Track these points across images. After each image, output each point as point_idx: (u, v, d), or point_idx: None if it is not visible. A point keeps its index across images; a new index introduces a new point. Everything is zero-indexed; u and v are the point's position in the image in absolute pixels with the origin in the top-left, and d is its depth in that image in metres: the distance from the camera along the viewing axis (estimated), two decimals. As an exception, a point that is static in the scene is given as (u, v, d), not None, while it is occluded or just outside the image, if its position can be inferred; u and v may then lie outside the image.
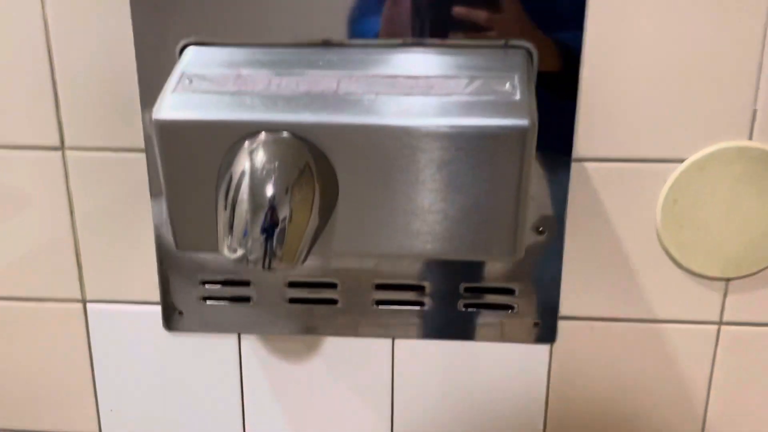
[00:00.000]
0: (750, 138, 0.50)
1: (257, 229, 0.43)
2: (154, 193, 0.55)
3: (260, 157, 0.43)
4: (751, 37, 0.47)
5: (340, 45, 0.50)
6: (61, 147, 0.54)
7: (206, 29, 0.50)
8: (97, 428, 0.62)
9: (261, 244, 0.43)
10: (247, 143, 0.44)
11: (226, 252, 0.44)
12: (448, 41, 0.49)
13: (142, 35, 0.51)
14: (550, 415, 0.58)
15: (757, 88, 0.49)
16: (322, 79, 0.46)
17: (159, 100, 0.45)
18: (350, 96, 0.45)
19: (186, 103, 0.45)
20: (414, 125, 0.43)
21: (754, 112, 0.49)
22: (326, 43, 0.50)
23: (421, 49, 0.50)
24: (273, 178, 0.43)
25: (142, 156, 0.54)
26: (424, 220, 0.46)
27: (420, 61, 0.48)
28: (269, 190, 0.43)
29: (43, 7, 0.51)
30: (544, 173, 0.52)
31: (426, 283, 0.56)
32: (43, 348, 0.60)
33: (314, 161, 0.44)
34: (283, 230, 0.43)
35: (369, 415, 0.59)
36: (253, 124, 0.44)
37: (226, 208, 0.44)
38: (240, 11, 0.50)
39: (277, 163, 0.43)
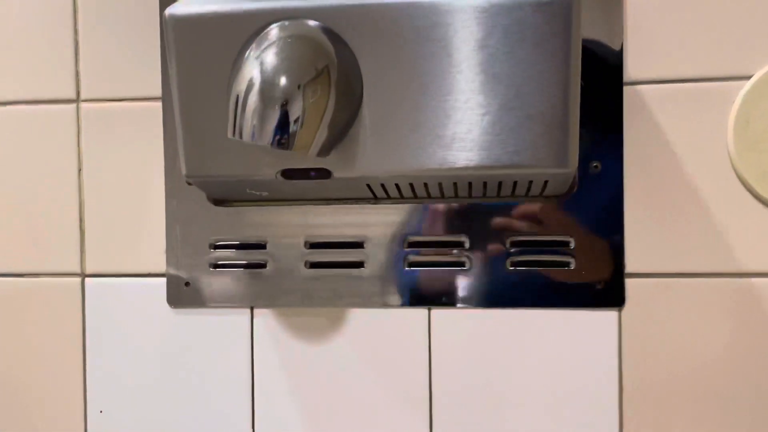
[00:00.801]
0: (825, 45, 0.45)
1: (271, 107, 0.38)
2: (168, 144, 0.51)
3: (274, 48, 0.40)
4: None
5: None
6: (77, 99, 0.52)
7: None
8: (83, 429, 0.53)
9: (274, 120, 0.38)
10: (259, 40, 0.40)
11: (233, 131, 0.39)
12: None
13: (167, -21, 0.50)
14: (625, 395, 0.47)
15: (824, -8, 0.44)
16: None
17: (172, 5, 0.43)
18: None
19: (202, 1, 0.43)
20: None
21: (825, 17, 0.44)
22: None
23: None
24: (288, 62, 0.39)
25: (158, 106, 0.51)
26: (459, 120, 0.41)
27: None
28: (284, 73, 0.38)
29: (73, -42, 0.51)
30: (594, 100, 0.47)
31: (466, 238, 0.49)
32: (33, 331, 0.53)
33: (336, 57, 0.40)
34: (299, 109, 0.38)
35: (402, 402, 0.49)
36: (273, 12, 0.41)
37: (240, 89, 0.39)
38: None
39: (293, 51, 0.40)
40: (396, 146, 0.41)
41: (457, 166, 0.41)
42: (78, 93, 0.52)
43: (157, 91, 0.51)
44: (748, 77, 0.45)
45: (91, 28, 0.51)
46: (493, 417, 0.48)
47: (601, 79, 0.47)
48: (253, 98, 0.38)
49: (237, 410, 0.51)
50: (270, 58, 0.39)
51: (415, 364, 0.49)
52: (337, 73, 0.40)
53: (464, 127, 0.41)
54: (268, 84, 0.38)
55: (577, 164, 0.41)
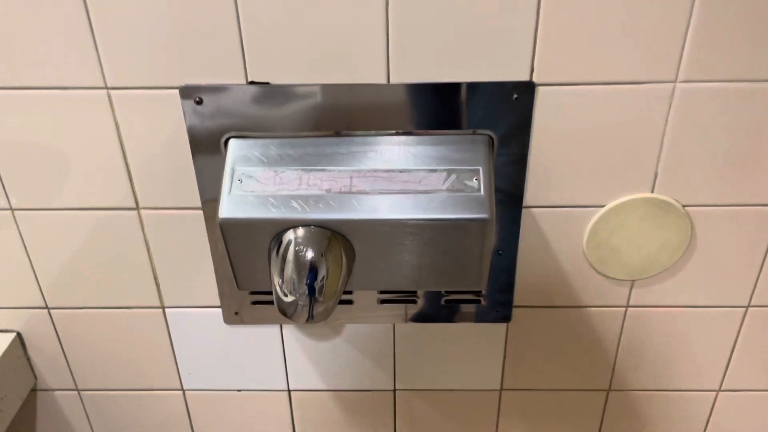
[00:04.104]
0: (652, 191, 0.68)
1: (303, 285, 0.62)
2: (212, 239, 0.73)
3: (300, 232, 0.61)
4: (656, 116, 0.64)
5: (347, 135, 0.66)
6: (137, 207, 0.71)
7: (244, 127, 0.65)
8: (180, 386, 0.85)
9: (306, 295, 0.62)
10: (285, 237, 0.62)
11: (280, 294, 0.63)
12: (431, 131, 0.65)
13: (193, 133, 0.66)
14: (506, 370, 0.82)
15: (659, 158, 0.66)
16: (339, 176, 0.63)
17: (220, 202, 0.62)
18: (360, 195, 0.62)
19: (239, 204, 0.62)
20: (406, 218, 0.61)
21: (656, 174, 0.67)
22: (337, 134, 0.66)
23: (411, 138, 0.65)
24: (312, 244, 0.61)
25: (200, 214, 0.71)
26: (416, 270, 0.65)
27: (410, 154, 0.64)
28: (309, 253, 0.61)
29: (113, 111, 0.65)
30: (505, 216, 0.70)
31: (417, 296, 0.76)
32: (130, 342, 0.81)
33: (337, 237, 0.63)
34: (322, 287, 0.62)
35: (374, 368, 0.83)
36: (290, 221, 0.61)
37: (279, 268, 0.62)
38: (269, 112, 0.64)
39: (313, 237, 0.62)
40: (376, 280, 0.66)
41: (413, 287, 0.67)
42: (137, 202, 0.71)
43: (196, 202, 0.71)
44: (602, 206, 0.69)
45: (142, 169, 0.68)
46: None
47: (509, 203, 0.70)
48: (288, 281, 0.61)
49: (273, 365, 0.83)
50: (298, 245, 0.61)
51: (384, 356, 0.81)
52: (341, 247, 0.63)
53: (418, 273, 0.66)
54: (299, 267, 0.61)
55: (486, 285, 0.68)
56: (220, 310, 0.79)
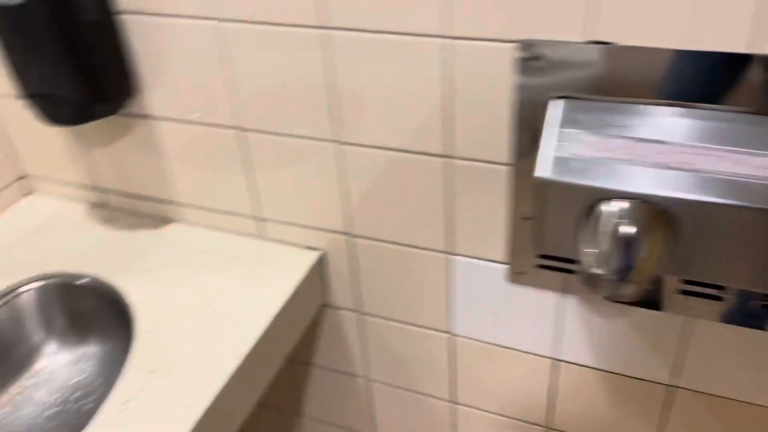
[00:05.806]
0: None
1: (618, 261, 0.58)
2: (512, 193, 0.73)
3: (623, 204, 0.57)
4: None
5: (690, 107, 0.60)
6: (446, 155, 0.73)
7: (575, 87, 0.63)
8: (447, 329, 0.89)
9: (618, 272, 0.59)
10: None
11: (587, 265, 0.60)
12: (794, 111, 0.56)
13: (522, 89, 0.65)
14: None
15: None
16: (674, 150, 0.58)
17: (539, 161, 0.60)
18: (698, 174, 0.56)
19: (560, 165, 0.60)
20: (747, 206, 0.54)
21: None
22: (676, 106, 0.60)
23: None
24: (635, 220, 0.57)
25: (505, 174, 0.71)
26: (750, 266, 0.57)
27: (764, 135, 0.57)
28: (632, 229, 0.57)
29: (445, 59, 0.67)
30: None
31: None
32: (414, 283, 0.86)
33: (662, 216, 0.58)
34: (638, 267, 0.58)
35: (651, 358, 0.77)
36: (613, 192, 0.58)
37: (593, 238, 0.59)
38: (605, 74, 0.61)
39: (637, 212, 0.57)
40: (699, 265, 0.61)
41: (737, 285, 0.60)
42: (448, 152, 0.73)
43: (506, 158, 0.71)
44: None
45: (465, 106, 0.70)
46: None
47: None
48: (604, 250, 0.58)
49: (542, 331, 0.82)
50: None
51: (673, 347, 0.75)
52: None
53: (757, 269, 0.58)
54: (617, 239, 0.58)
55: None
56: (503, 266, 0.79)
